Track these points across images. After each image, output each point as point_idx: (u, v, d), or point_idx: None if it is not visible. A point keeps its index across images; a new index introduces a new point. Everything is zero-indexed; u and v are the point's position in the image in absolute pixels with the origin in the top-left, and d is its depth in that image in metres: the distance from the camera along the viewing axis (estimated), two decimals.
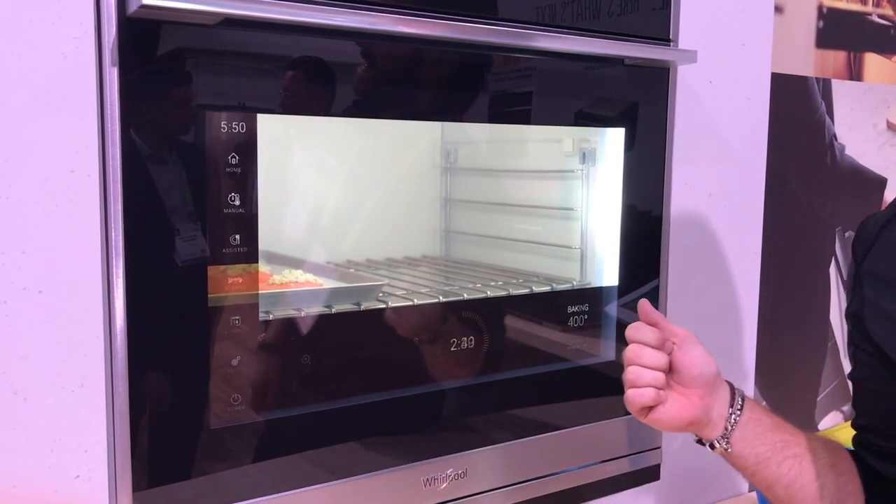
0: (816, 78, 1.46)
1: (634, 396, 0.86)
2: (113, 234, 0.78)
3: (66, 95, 0.75)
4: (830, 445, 0.91)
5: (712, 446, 0.88)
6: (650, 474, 1.23)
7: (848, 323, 0.89)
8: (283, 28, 0.83)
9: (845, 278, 0.90)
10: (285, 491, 0.89)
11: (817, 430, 1.53)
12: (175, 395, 0.82)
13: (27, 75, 0.74)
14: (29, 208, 0.75)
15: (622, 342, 1.16)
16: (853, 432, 0.92)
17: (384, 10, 0.88)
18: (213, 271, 0.84)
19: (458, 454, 1.02)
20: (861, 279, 0.84)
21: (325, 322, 0.97)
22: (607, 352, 1.17)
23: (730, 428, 0.87)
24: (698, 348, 0.88)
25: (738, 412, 0.88)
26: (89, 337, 0.78)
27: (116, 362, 0.79)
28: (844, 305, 1.56)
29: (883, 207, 1.58)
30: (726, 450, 0.88)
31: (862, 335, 0.84)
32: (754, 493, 1.29)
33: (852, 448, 0.92)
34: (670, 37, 1.14)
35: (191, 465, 0.84)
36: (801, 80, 1.44)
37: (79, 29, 0.75)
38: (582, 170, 1.19)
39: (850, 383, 0.93)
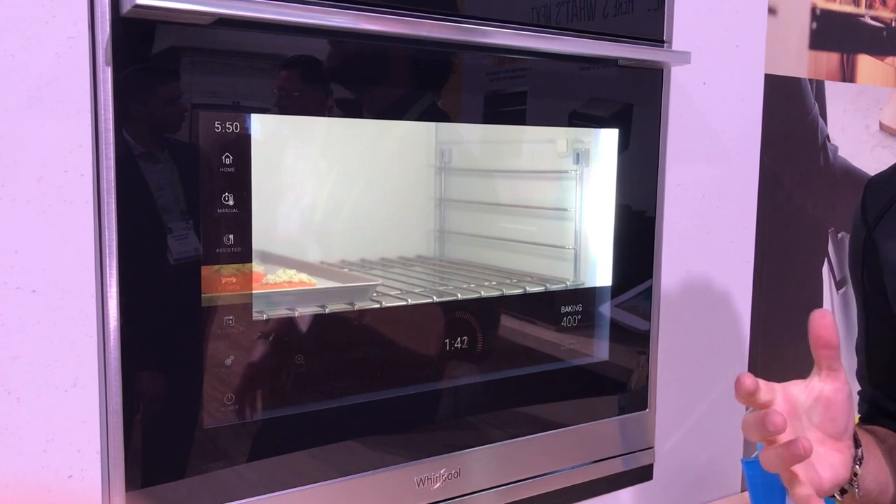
0: (810, 79, 1.46)
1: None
2: (106, 233, 0.78)
3: (60, 95, 0.75)
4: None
5: (843, 492, 0.76)
6: (643, 474, 1.23)
7: (861, 283, 0.85)
8: (277, 28, 0.83)
9: (850, 238, 0.87)
10: (279, 490, 0.89)
11: None
12: (168, 395, 0.82)
13: (20, 74, 0.74)
14: (22, 208, 0.75)
15: (615, 342, 1.18)
16: None
17: (378, 10, 0.88)
18: (206, 271, 0.84)
19: (451, 454, 1.02)
20: (875, 242, 0.81)
21: (319, 322, 0.97)
22: (600, 352, 1.17)
23: (858, 470, 0.75)
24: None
25: (860, 452, 0.76)
26: (82, 336, 0.78)
27: (110, 362, 0.79)
28: (838, 306, 1.57)
29: None
30: (857, 495, 0.75)
31: (876, 291, 0.80)
32: (746, 493, 1.29)
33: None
34: (664, 38, 1.15)
35: (184, 464, 0.84)
36: (795, 82, 1.44)
37: (72, 28, 0.75)
38: (576, 170, 1.20)
39: (857, 357, 0.90)
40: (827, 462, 0.71)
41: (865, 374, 0.90)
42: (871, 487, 0.77)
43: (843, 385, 0.73)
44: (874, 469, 0.77)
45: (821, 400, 0.72)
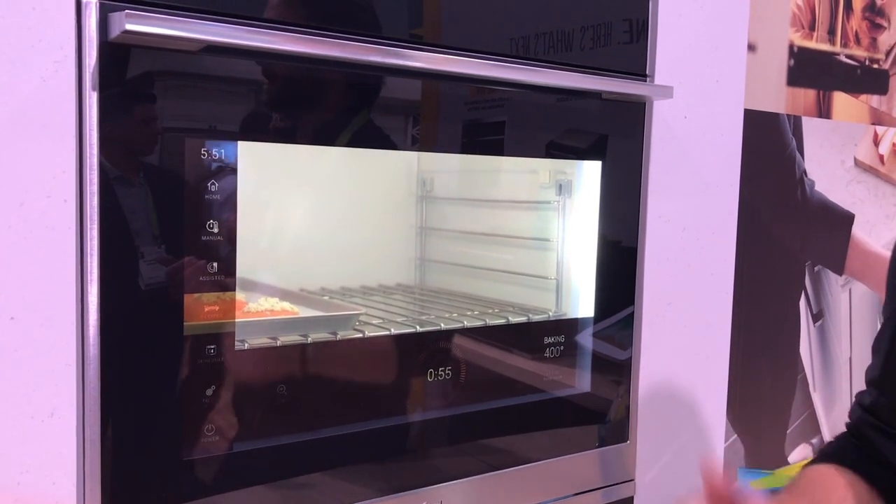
0: (788, 115, 1.49)
1: None
2: (88, 260, 0.76)
3: (45, 119, 0.74)
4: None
5: None
6: None
7: None
8: (266, 56, 0.83)
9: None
10: None
11: (787, 463, 1.54)
12: (148, 426, 0.81)
13: (4, 98, 0.72)
14: (2, 233, 0.73)
15: (597, 373, 1.17)
16: None
17: (366, 41, 0.88)
18: (189, 299, 0.82)
19: (432, 486, 1.01)
20: None
21: (301, 351, 0.96)
22: (582, 383, 1.17)
23: None
24: None
25: None
26: (61, 365, 0.76)
27: (89, 392, 0.77)
28: (814, 338, 1.58)
29: (850, 243, 1.61)
30: None
31: None
32: None
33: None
34: (647, 72, 1.16)
35: (163, 497, 0.82)
36: (773, 117, 1.46)
37: (59, 53, 0.74)
38: (558, 201, 1.20)
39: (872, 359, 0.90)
40: None
41: (877, 377, 0.88)
42: None
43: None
44: None
45: None
